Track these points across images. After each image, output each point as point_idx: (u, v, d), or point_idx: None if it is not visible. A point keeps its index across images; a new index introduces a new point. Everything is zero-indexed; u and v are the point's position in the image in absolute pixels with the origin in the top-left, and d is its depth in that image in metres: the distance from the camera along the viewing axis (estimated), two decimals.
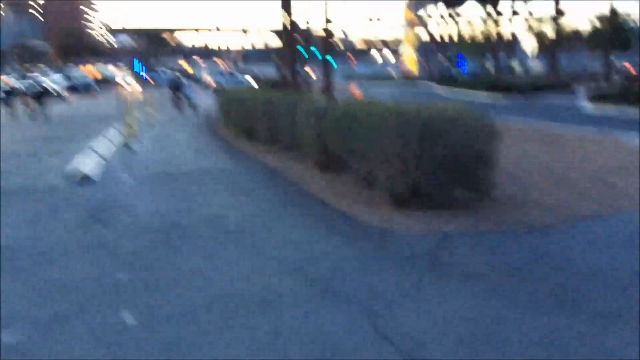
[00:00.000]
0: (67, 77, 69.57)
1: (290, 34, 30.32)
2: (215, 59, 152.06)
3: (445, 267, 7.28)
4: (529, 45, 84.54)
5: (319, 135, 12.82)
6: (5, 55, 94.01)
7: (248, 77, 62.68)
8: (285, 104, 16.00)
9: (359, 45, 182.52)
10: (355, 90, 40.94)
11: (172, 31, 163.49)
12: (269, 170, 13.96)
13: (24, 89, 36.48)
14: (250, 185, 12.30)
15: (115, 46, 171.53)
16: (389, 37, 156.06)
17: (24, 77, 58.90)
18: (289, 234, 8.74)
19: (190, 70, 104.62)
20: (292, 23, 30.15)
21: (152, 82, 71.37)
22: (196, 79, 76.56)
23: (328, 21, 34.54)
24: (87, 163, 15.42)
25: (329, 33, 35.22)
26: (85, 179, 13.09)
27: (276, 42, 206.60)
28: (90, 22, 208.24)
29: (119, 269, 7.46)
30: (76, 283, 7.07)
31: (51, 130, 25.16)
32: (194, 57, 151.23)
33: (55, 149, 18.83)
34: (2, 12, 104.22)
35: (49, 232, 9.06)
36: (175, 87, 38.08)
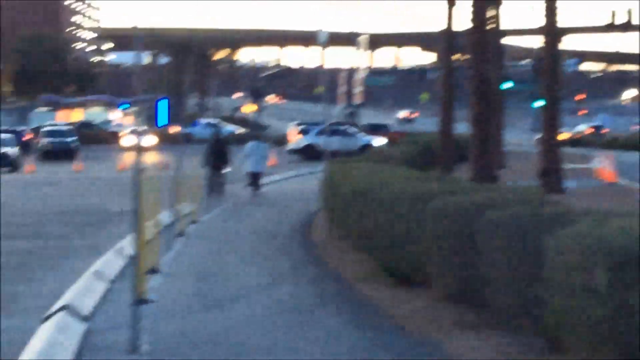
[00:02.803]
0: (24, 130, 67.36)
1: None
2: (315, 89, 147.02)
3: None
4: None
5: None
6: None
7: (374, 138, 58.75)
8: (508, 222, 10.88)
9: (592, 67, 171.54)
10: (606, 166, 35.85)
11: (230, 45, 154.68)
12: None
13: None
14: None
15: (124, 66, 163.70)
16: None
17: None
18: None
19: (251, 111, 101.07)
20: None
21: (187, 139, 67.63)
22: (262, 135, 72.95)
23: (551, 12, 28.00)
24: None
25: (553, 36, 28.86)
26: None
27: (426, 57, 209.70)
28: (76, 25, 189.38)
29: None
30: None
31: None
32: (264, 93, 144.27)
33: None
34: None
35: None
36: (216, 151, 33.86)
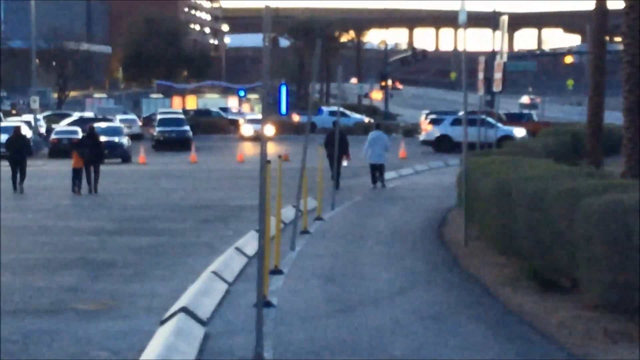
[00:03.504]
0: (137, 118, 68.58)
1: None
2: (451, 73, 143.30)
3: None
4: None
5: None
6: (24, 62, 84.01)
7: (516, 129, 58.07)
8: None
9: None
10: None
11: (357, 27, 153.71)
12: None
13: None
14: None
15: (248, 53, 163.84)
16: None
17: None
18: None
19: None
20: None
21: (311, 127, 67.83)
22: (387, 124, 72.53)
23: None
24: None
25: None
26: None
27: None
28: (193, 6, 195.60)
29: None
30: None
31: None
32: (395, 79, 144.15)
33: None
34: None
35: None
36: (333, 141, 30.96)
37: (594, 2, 35.38)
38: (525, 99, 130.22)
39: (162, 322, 12.34)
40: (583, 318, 12.81)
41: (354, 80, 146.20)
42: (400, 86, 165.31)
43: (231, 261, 17.69)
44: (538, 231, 14.96)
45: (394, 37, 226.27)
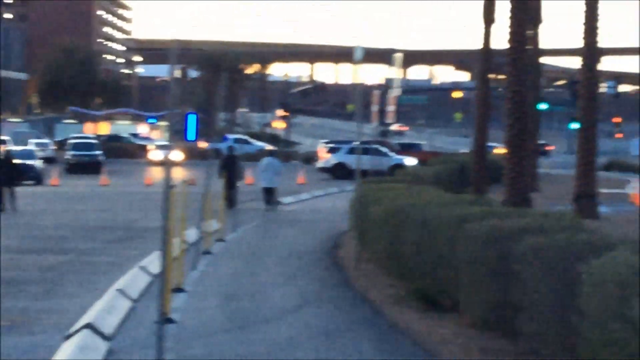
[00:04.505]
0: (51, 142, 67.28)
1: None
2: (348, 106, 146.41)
3: None
4: None
5: None
6: None
7: (407, 158, 58.85)
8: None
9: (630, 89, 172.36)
10: None
11: (262, 60, 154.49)
12: None
13: None
14: None
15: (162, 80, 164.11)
16: None
17: None
18: None
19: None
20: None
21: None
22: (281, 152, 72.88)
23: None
24: None
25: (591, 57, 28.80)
26: None
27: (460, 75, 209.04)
28: (107, 37, 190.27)
29: None
30: None
31: None
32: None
33: None
34: None
35: None
36: (229, 165, 35.43)
37: (482, 42, 35.94)
38: (395, 127, 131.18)
39: (67, 337, 12.12)
40: (462, 335, 12.89)
41: (266, 110, 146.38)
42: (297, 117, 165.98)
43: (136, 279, 17.48)
44: (424, 254, 15.03)
45: (297, 71, 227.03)
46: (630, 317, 8.74)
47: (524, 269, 11.27)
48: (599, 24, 29.76)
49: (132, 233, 27.70)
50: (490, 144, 37.76)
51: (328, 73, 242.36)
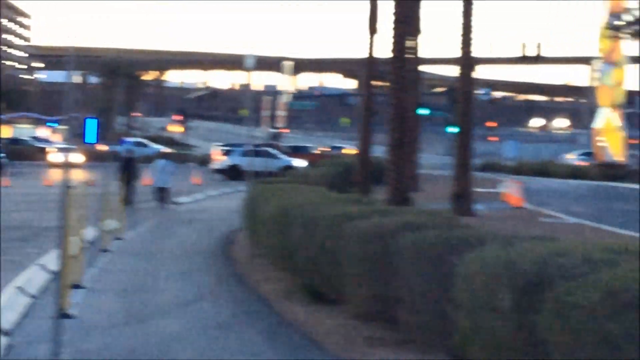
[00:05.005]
0: None
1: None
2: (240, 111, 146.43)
3: None
4: None
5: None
6: None
7: (295, 159, 59.13)
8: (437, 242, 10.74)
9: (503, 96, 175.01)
10: (513, 191, 36.07)
11: (158, 67, 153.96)
12: None
13: None
14: None
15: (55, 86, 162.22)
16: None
17: None
18: None
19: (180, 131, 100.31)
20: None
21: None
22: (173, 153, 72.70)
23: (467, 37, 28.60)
24: None
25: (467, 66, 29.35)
26: None
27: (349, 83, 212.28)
28: (6, 43, 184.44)
29: None
30: None
31: None
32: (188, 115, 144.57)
33: None
34: None
35: None
36: (127, 167, 36.36)
37: (367, 52, 36.20)
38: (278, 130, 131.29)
39: None
40: (347, 326, 12.98)
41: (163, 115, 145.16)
42: (192, 122, 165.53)
43: (35, 277, 17.18)
44: (311, 250, 15.10)
45: (192, 77, 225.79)
46: (500, 307, 8.92)
47: (403, 263, 11.40)
48: (473, 36, 30.28)
49: (32, 232, 27.19)
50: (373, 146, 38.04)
51: (222, 80, 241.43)
